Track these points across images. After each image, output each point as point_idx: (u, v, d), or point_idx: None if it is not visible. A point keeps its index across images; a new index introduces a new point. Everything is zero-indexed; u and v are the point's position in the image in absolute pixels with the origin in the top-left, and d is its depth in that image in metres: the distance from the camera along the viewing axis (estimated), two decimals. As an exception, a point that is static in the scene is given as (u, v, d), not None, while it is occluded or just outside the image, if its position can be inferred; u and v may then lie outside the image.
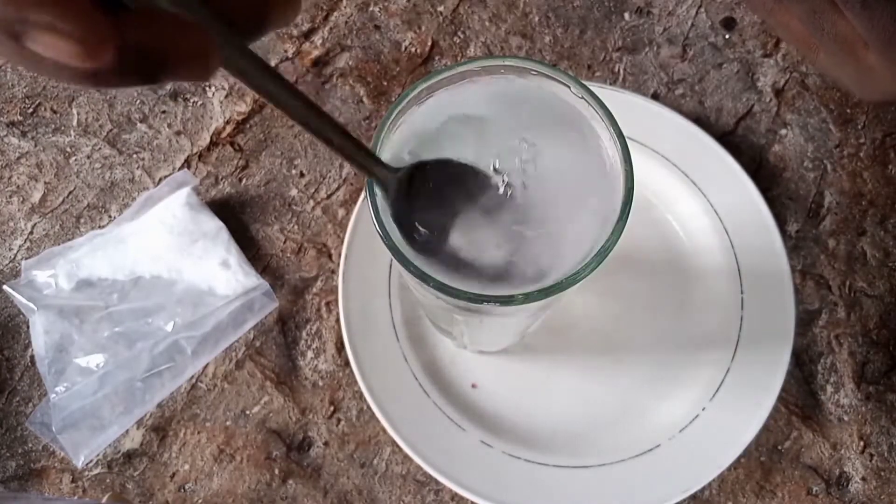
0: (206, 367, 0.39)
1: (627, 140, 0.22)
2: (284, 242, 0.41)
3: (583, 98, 0.22)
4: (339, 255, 0.38)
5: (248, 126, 0.44)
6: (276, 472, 0.38)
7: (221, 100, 0.44)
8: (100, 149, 0.44)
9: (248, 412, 0.39)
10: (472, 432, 0.36)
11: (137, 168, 0.43)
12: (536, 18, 0.45)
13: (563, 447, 0.37)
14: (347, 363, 0.38)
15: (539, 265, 0.22)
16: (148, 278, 0.39)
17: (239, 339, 0.39)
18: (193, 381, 0.39)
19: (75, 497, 0.37)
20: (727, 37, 0.45)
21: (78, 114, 0.44)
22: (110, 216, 0.42)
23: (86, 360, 0.38)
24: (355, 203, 0.40)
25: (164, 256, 0.39)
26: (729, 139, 0.43)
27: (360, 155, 0.20)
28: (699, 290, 0.39)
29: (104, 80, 0.13)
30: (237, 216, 0.42)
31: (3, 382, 0.39)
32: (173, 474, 0.38)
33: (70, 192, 0.43)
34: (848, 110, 0.43)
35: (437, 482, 0.37)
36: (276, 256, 0.41)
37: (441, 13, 0.46)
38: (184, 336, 0.38)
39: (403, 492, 0.37)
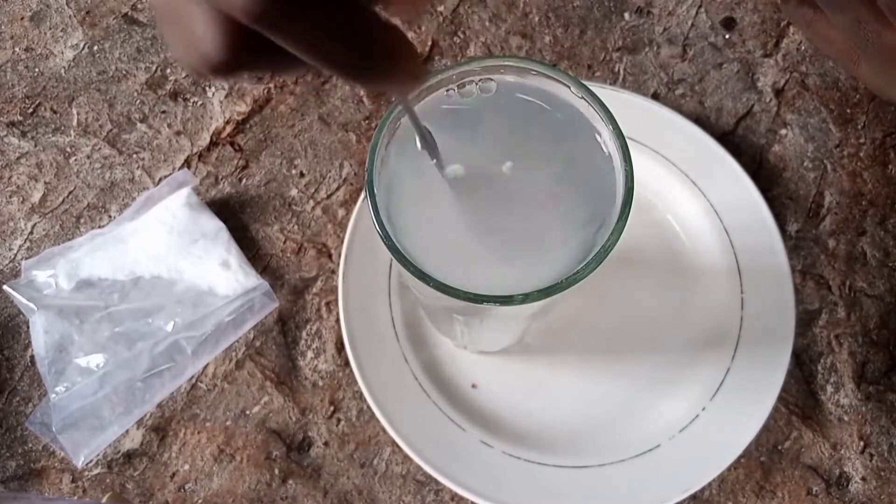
0: (206, 367, 0.39)
1: (627, 140, 0.22)
2: (284, 242, 0.41)
3: (582, 98, 0.22)
4: (339, 255, 0.38)
5: (248, 126, 0.44)
6: (276, 472, 0.38)
7: (221, 100, 0.44)
8: (100, 149, 0.44)
9: (248, 412, 0.39)
10: (472, 432, 0.36)
11: (137, 168, 0.43)
12: (536, 18, 0.45)
13: (563, 447, 0.37)
14: (347, 363, 0.38)
15: (538, 265, 0.22)
16: (148, 278, 0.39)
17: (239, 339, 0.39)
18: (193, 381, 0.39)
19: (75, 497, 0.37)
20: (727, 37, 0.45)
21: (78, 114, 0.44)
22: (110, 216, 0.42)
23: (86, 360, 0.38)
24: (355, 203, 0.40)
25: (164, 256, 0.39)
26: (729, 139, 0.43)
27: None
28: (699, 290, 0.39)
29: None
30: (237, 216, 0.42)
31: (3, 382, 0.39)
32: (173, 474, 0.38)
33: (70, 192, 0.43)
34: (848, 110, 0.43)
35: (437, 482, 0.37)
36: (276, 256, 0.41)
37: (441, 13, 0.46)
38: (184, 336, 0.38)
39: (403, 492, 0.37)
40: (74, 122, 0.44)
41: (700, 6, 0.45)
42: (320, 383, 0.39)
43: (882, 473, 0.37)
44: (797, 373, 0.39)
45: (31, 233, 0.42)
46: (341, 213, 0.42)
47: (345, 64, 0.14)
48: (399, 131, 0.23)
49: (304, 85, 0.44)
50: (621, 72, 0.44)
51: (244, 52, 0.13)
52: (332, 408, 0.39)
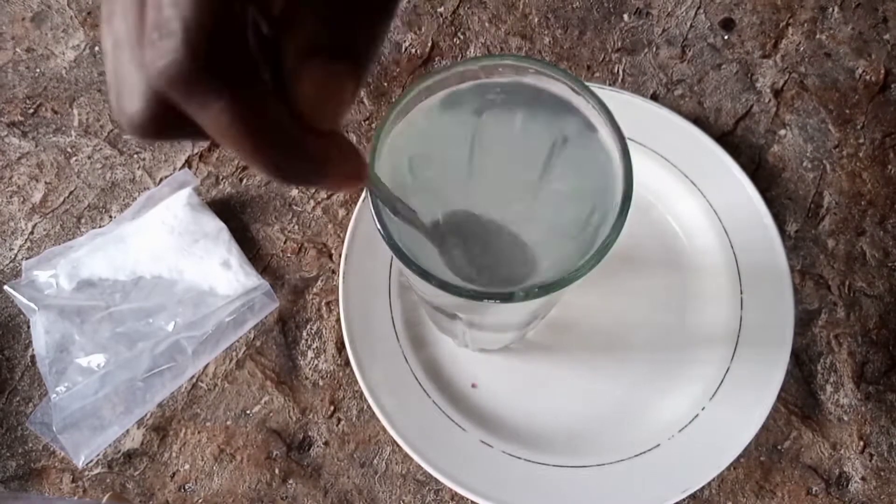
0: (206, 366, 0.39)
1: (627, 140, 0.22)
2: (285, 242, 0.41)
3: (580, 95, 0.22)
4: (340, 255, 0.38)
5: (248, 127, 0.44)
6: (276, 471, 0.38)
7: (222, 100, 0.44)
8: (101, 149, 0.44)
9: (248, 412, 0.39)
10: (472, 432, 0.36)
11: (138, 168, 0.43)
12: (536, 19, 0.46)
13: (563, 447, 0.37)
14: (347, 363, 0.38)
15: (538, 262, 0.22)
16: (149, 278, 0.39)
17: (239, 338, 0.39)
18: (194, 380, 0.39)
19: (75, 497, 0.37)
20: (726, 38, 0.45)
21: (79, 114, 0.44)
22: (111, 216, 0.42)
23: (87, 360, 0.38)
24: (355, 203, 0.40)
25: (164, 256, 0.39)
26: (728, 139, 0.43)
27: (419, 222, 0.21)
28: (699, 289, 0.39)
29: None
30: (238, 216, 0.42)
31: (4, 382, 0.39)
32: (173, 474, 0.38)
33: (71, 193, 0.43)
34: (847, 110, 0.43)
35: (437, 482, 0.37)
36: (277, 256, 0.41)
37: (441, 14, 0.46)
38: (184, 336, 0.38)
39: (403, 491, 0.37)
40: (75, 123, 0.44)
41: (699, 7, 0.46)
42: (320, 383, 0.39)
43: (882, 473, 0.37)
44: (797, 372, 0.39)
45: (32, 233, 0.42)
46: (341, 213, 0.42)
47: (261, 162, 0.13)
48: (397, 132, 0.23)
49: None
50: (620, 73, 0.44)
51: (166, 122, 0.13)
52: (332, 407, 0.39)
